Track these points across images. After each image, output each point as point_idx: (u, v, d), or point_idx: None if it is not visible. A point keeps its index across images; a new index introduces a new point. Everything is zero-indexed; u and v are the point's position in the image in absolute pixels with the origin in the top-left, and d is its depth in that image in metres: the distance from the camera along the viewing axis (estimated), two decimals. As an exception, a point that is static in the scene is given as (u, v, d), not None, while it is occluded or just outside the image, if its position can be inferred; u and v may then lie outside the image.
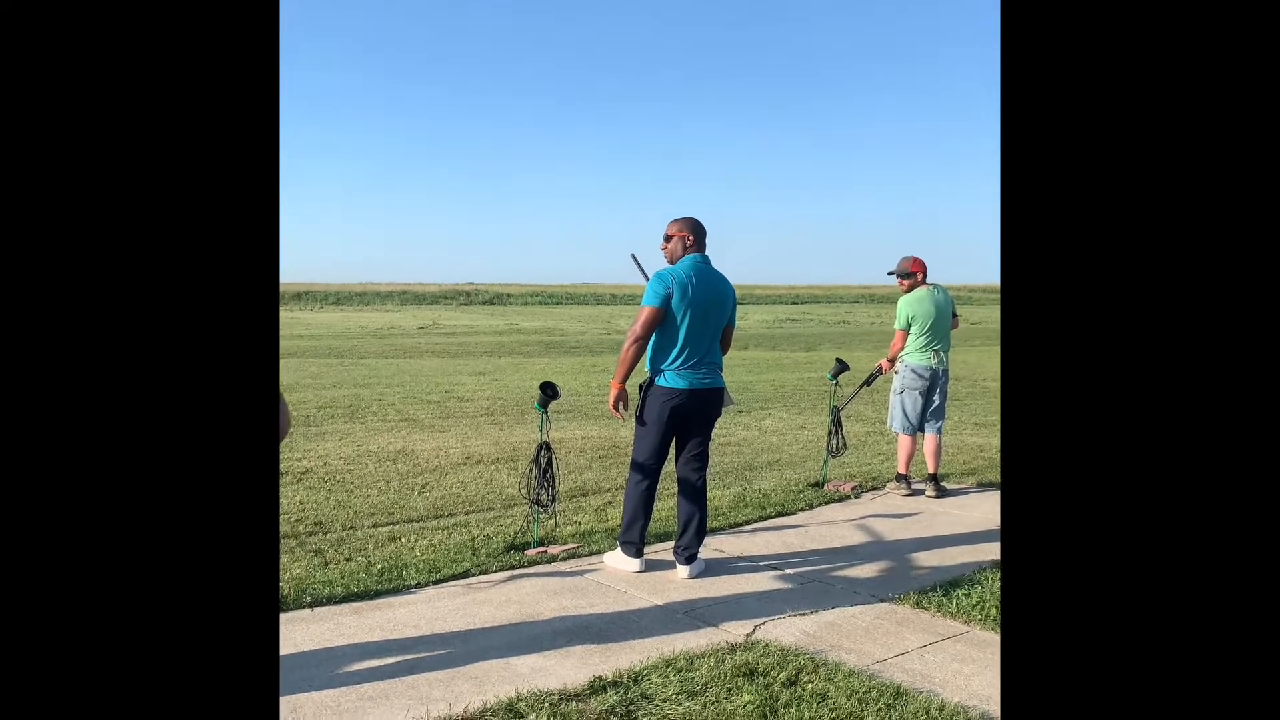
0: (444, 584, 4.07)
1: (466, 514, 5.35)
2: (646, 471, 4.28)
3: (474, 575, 4.20)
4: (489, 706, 2.87)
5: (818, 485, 6.23)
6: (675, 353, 4.15)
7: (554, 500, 4.65)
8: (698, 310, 4.13)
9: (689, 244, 4.26)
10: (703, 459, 4.35)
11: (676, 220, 4.31)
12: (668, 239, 4.32)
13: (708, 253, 4.31)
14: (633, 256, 4.65)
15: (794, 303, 62.90)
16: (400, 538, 4.79)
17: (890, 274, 6.34)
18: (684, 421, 4.26)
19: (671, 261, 4.29)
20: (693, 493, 4.30)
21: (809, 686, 3.03)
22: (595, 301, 61.63)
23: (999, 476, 6.39)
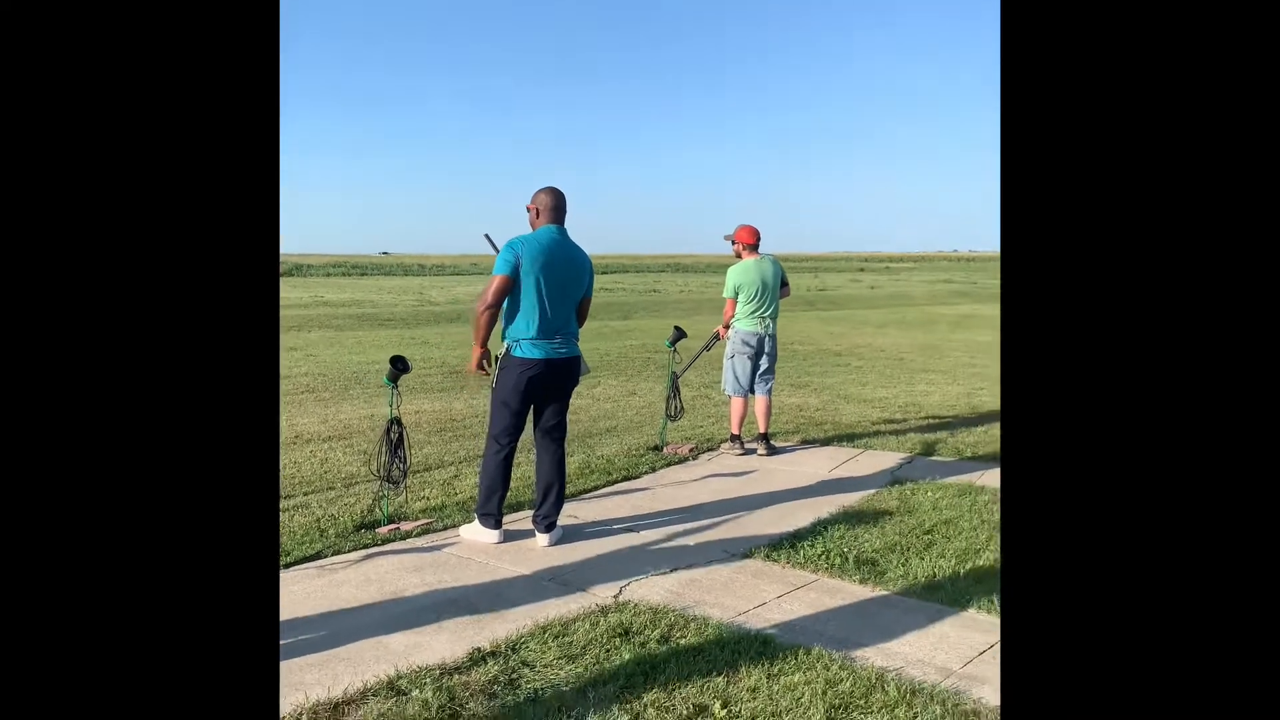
0: (296, 567, 3.92)
1: (305, 495, 5.15)
2: (504, 442, 4.28)
3: (327, 556, 4.07)
4: (369, 686, 2.82)
5: (657, 449, 6.40)
6: (531, 323, 4.16)
7: (405, 476, 4.56)
8: (551, 280, 4.14)
9: (544, 215, 4.26)
10: (561, 429, 4.38)
11: (537, 191, 4.29)
12: (529, 209, 4.33)
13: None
14: (486, 236, 4.63)
15: (604, 272, 63.48)
16: (238, 523, 4.55)
17: (725, 238, 6.57)
18: (541, 392, 4.27)
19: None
20: (552, 462, 4.33)
21: (683, 642, 3.15)
22: (402, 273, 59.84)
23: (821, 434, 6.77)
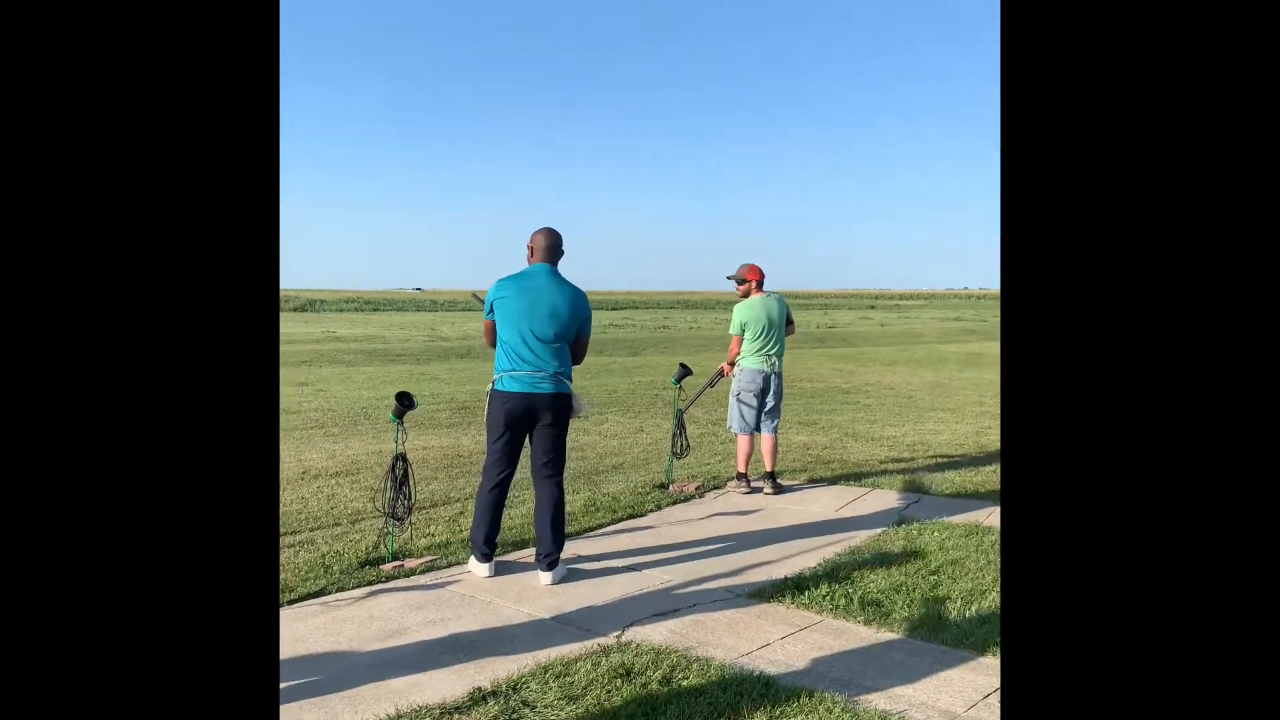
0: (299, 604, 3.92)
1: (311, 531, 5.16)
2: (490, 476, 4.37)
3: (330, 593, 4.07)
4: (369, 726, 2.81)
5: (663, 486, 6.39)
6: (510, 358, 4.26)
7: (410, 512, 4.57)
8: (532, 316, 4.23)
9: (537, 254, 4.40)
10: (554, 466, 4.38)
11: (534, 232, 4.43)
12: (528, 248, 4.44)
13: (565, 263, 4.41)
14: (473, 294, 4.77)
15: (614, 308, 63.69)
16: (243, 559, 4.56)
17: (729, 279, 6.60)
18: (524, 426, 4.33)
19: None
20: (547, 499, 4.35)
21: (684, 683, 3.13)
22: (415, 308, 60.13)
23: (828, 472, 6.73)
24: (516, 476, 4.45)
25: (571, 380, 4.37)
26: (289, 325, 33.78)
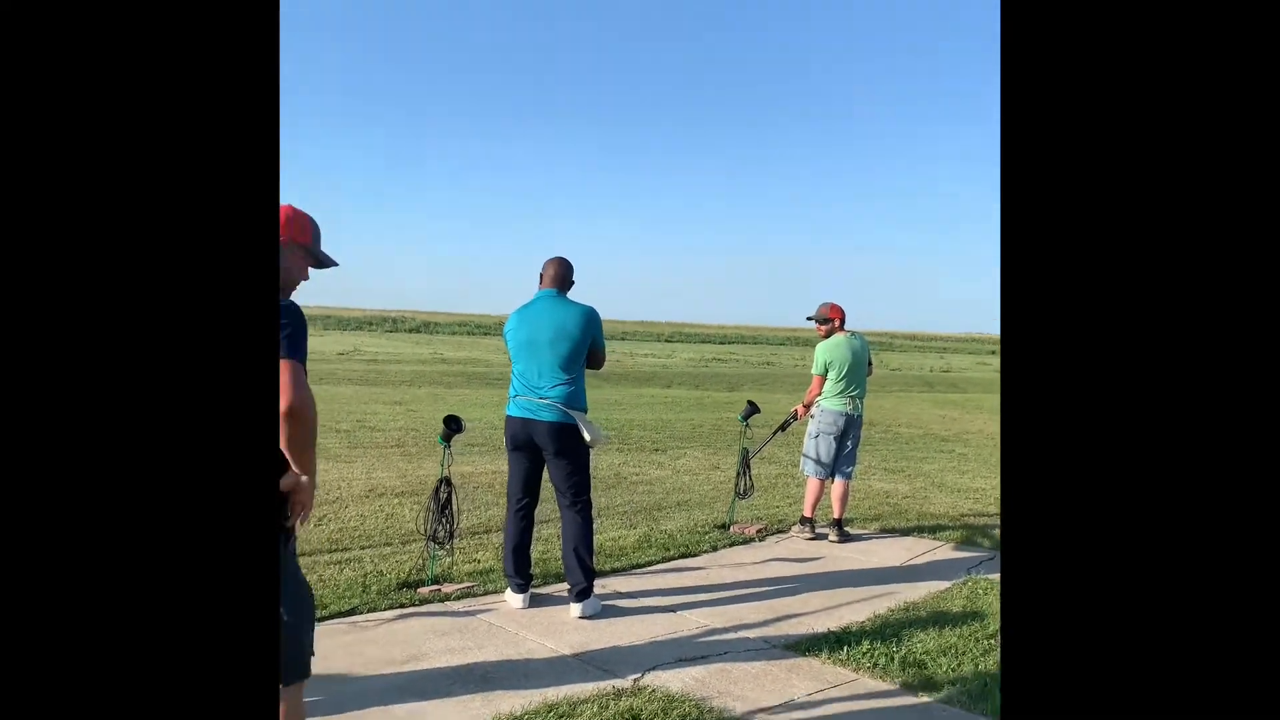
0: (329, 621, 3.94)
1: (362, 549, 5.21)
2: (511, 501, 4.41)
3: (361, 613, 4.08)
4: (358, 753, 2.77)
5: (724, 527, 6.23)
6: (514, 383, 4.33)
7: (451, 537, 4.56)
8: (527, 343, 4.26)
9: (543, 281, 4.41)
10: (571, 494, 4.30)
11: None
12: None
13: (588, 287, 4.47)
14: None
15: (721, 342, 63.37)
16: (290, 572, 4.63)
17: (809, 319, 6.42)
18: (529, 452, 4.32)
19: None
20: (569, 528, 4.30)
21: (691, 735, 2.99)
22: (524, 333, 61.20)
23: (903, 523, 6.43)
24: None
25: (584, 409, 4.29)
26: (400, 345, 34.84)
